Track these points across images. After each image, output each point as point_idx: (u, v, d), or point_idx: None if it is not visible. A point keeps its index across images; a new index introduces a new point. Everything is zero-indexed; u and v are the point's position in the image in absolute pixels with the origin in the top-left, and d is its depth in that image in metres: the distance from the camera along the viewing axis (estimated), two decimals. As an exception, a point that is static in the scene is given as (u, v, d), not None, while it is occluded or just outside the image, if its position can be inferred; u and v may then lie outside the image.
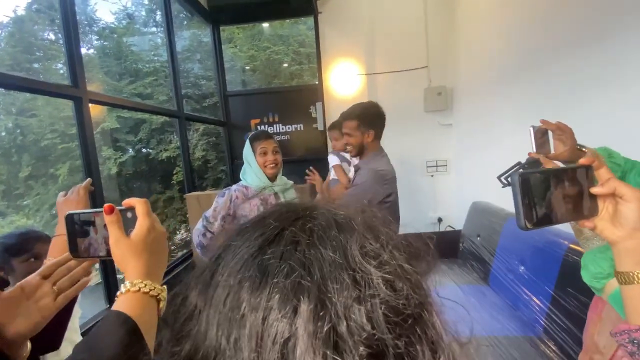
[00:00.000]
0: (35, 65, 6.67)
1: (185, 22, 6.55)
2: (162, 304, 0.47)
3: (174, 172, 6.37)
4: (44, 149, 6.17)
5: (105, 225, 0.49)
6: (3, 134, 6.25)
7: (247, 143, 1.57)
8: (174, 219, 6.33)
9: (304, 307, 0.20)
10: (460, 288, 2.45)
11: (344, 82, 3.35)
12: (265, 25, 6.89)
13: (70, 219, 0.51)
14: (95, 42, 7.11)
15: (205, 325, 0.23)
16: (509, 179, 0.50)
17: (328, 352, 0.19)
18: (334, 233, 0.24)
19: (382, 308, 0.21)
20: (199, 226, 1.52)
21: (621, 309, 0.55)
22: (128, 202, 0.50)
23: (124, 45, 7.00)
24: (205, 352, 0.22)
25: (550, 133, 0.96)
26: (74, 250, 0.51)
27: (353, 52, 3.31)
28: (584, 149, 0.93)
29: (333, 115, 3.34)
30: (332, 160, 2.46)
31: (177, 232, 6.30)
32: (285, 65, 7.14)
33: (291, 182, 1.71)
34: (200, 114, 6.91)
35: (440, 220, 3.37)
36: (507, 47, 2.46)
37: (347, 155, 2.27)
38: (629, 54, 1.44)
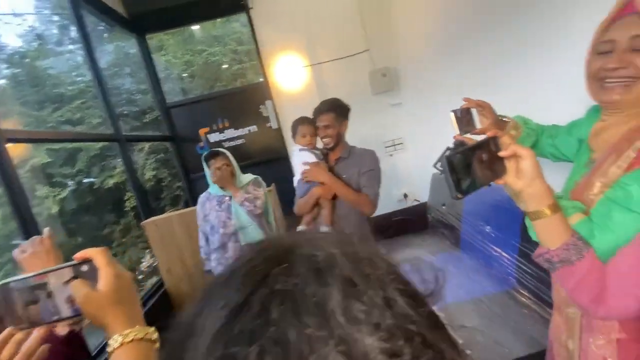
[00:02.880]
0: None
1: (106, 34, 6.02)
2: (157, 344, 0.47)
3: (126, 198, 5.90)
4: (-35, 199, 5.41)
5: (64, 283, 0.46)
6: None
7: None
8: (135, 248, 5.89)
9: None
10: (436, 258, 2.54)
11: (290, 76, 3.26)
12: (196, 27, 6.54)
13: (6, 291, 0.45)
14: (5, 70, 6.30)
15: None
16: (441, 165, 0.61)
17: None
18: (313, 289, 0.20)
19: None
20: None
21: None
22: (82, 254, 0.48)
23: (39, 69, 6.27)
24: None
25: (474, 110, 1.05)
26: (13, 321, 0.47)
27: (293, 44, 3.23)
28: (505, 119, 1.03)
29: (285, 112, 3.25)
30: (309, 157, 2.03)
31: (142, 260, 5.89)
32: (226, 66, 6.85)
33: (250, 178, 2.01)
34: (142, 132, 6.45)
35: (405, 196, 3.46)
36: (442, 21, 2.53)
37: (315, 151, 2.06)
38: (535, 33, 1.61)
